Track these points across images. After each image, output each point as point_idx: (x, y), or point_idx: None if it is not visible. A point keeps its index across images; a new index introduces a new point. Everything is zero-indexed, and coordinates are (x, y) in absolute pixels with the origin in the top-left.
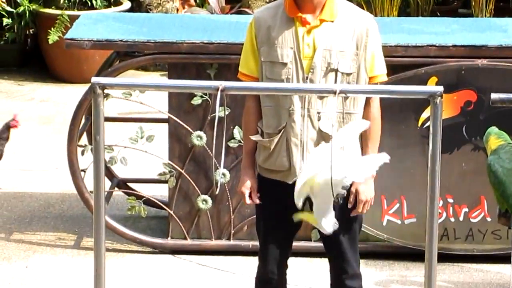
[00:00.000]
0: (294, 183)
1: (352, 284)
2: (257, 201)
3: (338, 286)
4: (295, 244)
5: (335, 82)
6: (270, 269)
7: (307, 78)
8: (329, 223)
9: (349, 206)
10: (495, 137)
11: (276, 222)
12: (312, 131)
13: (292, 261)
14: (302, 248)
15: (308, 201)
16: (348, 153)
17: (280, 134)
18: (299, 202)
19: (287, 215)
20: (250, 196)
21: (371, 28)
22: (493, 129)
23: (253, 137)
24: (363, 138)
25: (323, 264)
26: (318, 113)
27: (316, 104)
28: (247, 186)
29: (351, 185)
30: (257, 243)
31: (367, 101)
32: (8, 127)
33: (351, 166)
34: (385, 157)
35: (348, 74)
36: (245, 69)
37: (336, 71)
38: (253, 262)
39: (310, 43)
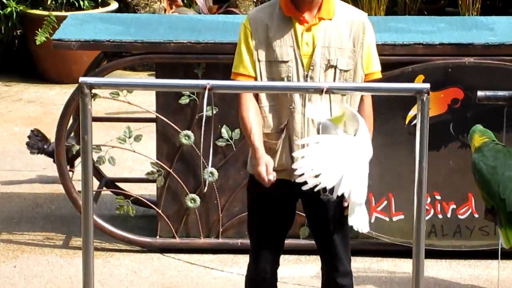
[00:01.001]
0: (297, 183)
1: (343, 281)
2: (274, 176)
3: (330, 284)
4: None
5: (334, 79)
6: (263, 268)
7: (307, 75)
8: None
9: (345, 204)
10: (479, 135)
11: (272, 221)
12: (312, 129)
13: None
14: (291, 246)
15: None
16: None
17: (281, 133)
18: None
19: (283, 213)
20: (267, 172)
21: (367, 25)
22: (477, 127)
23: (263, 140)
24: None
25: (311, 262)
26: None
27: (316, 102)
28: (261, 163)
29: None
30: (246, 241)
31: (361, 100)
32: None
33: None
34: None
35: (346, 71)
36: (242, 69)
37: (335, 68)
38: (241, 260)
39: (309, 41)
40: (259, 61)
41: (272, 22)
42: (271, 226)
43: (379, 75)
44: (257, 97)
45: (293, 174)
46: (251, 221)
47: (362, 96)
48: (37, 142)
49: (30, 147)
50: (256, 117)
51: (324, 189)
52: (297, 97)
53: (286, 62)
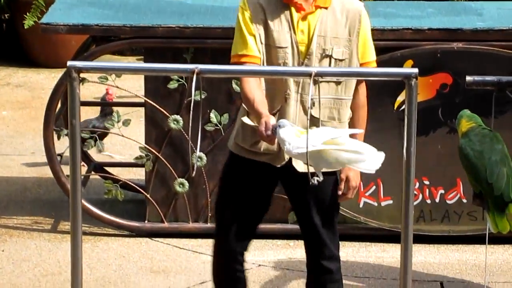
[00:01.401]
0: (281, 167)
1: (329, 265)
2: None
3: (315, 268)
4: (272, 226)
5: None
6: (233, 250)
7: (303, 63)
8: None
9: (339, 192)
10: (466, 120)
11: (249, 203)
12: (303, 116)
13: (269, 244)
14: (280, 231)
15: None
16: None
17: (276, 118)
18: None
19: (262, 197)
20: (266, 128)
21: (363, 15)
22: (465, 112)
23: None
24: (351, 125)
25: (300, 246)
26: (312, 98)
27: (309, 89)
28: (262, 122)
29: (340, 172)
30: None
31: (356, 88)
32: (106, 101)
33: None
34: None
35: (341, 60)
36: (246, 51)
37: (330, 57)
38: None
39: (305, 29)
40: (261, 43)
41: (269, 6)
42: (245, 208)
43: (374, 65)
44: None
45: (278, 159)
46: (223, 200)
47: (357, 86)
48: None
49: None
50: (258, 89)
51: (313, 173)
52: (292, 83)
53: (284, 48)
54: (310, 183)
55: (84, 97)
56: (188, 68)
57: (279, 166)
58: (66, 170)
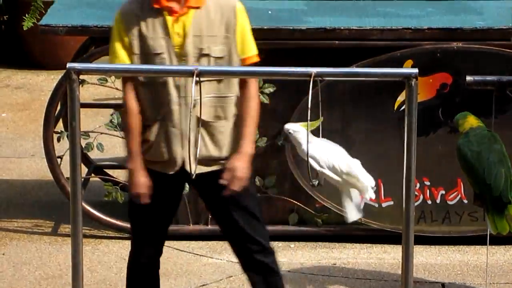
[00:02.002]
0: (174, 174)
1: (263, 259)
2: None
3: (249, 265)
4: (272, 228)
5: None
6: (147, 254)
7: None
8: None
9: (222, 182)
10: (474, 117)
11: (154, 210)
12: (190, 119)
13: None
14: (280, 232)
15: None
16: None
17: (158, 125)
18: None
19: (165, 203)
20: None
21: (239, 10)
22: (467, 113)
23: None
24: (241, 117)
25: (301, 248)
26: (194, 100)
27: (192, 91)
28: (140, 185)
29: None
30: None
31: (243, 82)
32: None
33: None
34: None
35: (220, 58)
36: (116, 62)
37: (208, 56)
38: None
39: (180, 31)
40: (134, 54)
41: (143, 14)
42: (154, 215)
43: (255, 59)
44: (136, 90)
45: (169, 166)
46: (133, 208)
47: (241, 80)
48: None
49: None
50: (137, 123)
51: (312, 174)
52: (172, 88)
53: (159, 54)
54: (311, 183)
55: (83, 99)
56: (188, 69)
57: (170, 173)
58: (66, 172)
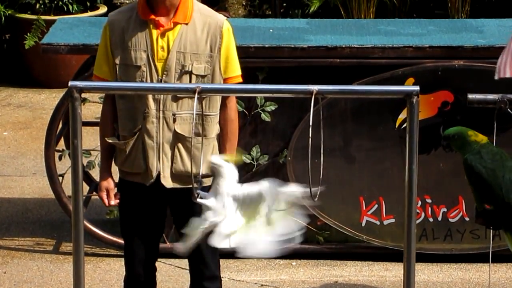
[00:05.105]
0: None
1: (210, 285)
2: (116, 201)
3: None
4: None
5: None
6: (138, 271)
7: (161, 80)
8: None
9: (194, 201)
10: (475, 132)
11: (140, 224)
12: (167, 133)
13: (271, 263)
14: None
15: None
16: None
17: (135, 137)
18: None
19: (150, 216)
20: (108, 197)
21: (225, 30)
22: (462, 127)
23: (109, 140)
24: (221, 140)
25: (302, 266)
26: (173, 115)
27: (171, 106)
28: (102, 189)
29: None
30: None
31: (224, 103)
32: None
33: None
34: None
35: (203, 76)
36: (99, 72)
37: (191, 73)
38: (232, 265)
39: (164, 45)
40: (115, 63)
41: (129, 25)
42: (141, 228)
43: (239, 79)
44: (113, 101)
45: (147, 178)
46: (122, 224)
47: (224, 100)
48: None
49: None
50: (109, 126)
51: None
52: (151, 101)
53: (139, 66)
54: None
55: (85, 117)
56: (190, 87)
57: (148, 184)
58: (67, 190)
